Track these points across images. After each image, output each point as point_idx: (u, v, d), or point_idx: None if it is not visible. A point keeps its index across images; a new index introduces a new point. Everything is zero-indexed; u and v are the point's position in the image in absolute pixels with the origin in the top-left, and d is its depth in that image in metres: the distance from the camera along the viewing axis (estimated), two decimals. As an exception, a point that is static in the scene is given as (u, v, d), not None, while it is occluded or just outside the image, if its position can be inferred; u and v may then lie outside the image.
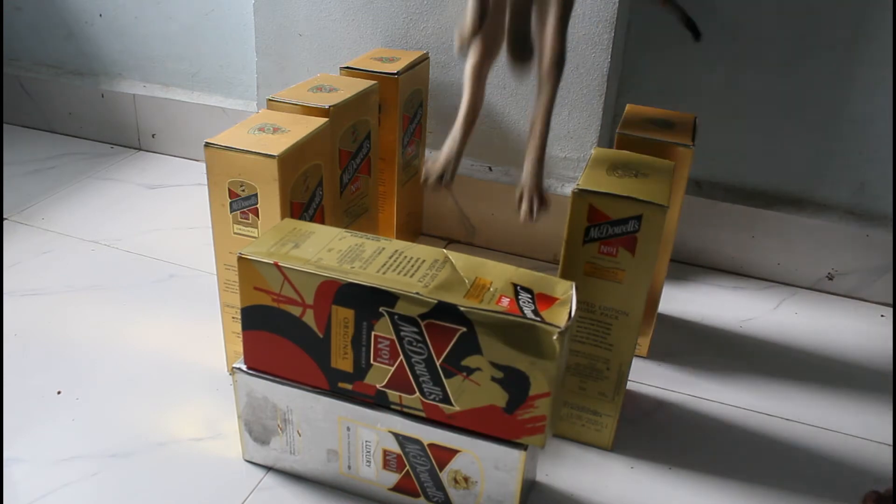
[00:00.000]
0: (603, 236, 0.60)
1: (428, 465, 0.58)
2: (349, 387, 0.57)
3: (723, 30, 0.91)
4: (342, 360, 0.56)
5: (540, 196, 0.72)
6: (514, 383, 0.52)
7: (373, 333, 0.54)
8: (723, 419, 0.72)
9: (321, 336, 0.56)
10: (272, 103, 0.72)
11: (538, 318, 0.50)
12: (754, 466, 0.67)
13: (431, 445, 0.57)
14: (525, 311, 0.51)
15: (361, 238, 0.58)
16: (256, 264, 0.55)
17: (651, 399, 0.74)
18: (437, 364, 0.53)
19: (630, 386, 0.75)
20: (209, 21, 1.17)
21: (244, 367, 0.60)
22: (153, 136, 1.25)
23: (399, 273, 0.54)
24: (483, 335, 0.51)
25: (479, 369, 0.52)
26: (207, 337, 0.78)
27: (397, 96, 0.84)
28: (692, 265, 0.98)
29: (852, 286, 0.93)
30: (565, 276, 0.62)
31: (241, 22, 1.15)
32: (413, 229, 0.99)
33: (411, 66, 0.86)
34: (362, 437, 0.58)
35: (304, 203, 0.66)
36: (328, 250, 0.56)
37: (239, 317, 0.67)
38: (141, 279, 0.90)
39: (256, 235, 0.65)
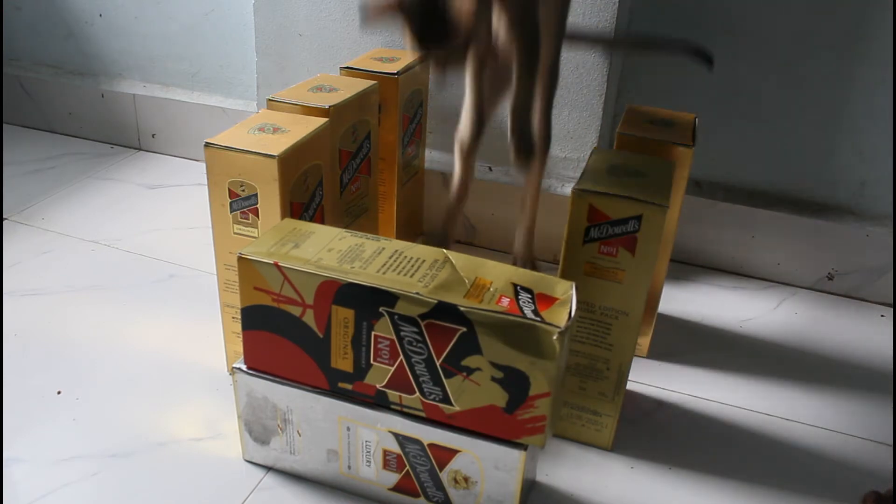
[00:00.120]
0: (603, 236, 0.60)
1: (428, 465, 0.58)
2: (349, 387, 0.57)
3: (723, 30, 0.91)
4: (342, 360, 0.56)
5: (532, 264, 0.74)
6: (514, 383, 0.52)
7: (373, 333, 0.54)
8: (723, 419, 0.72)
9: (321, 336, 0.56)
10: (272, 103, 0.72)
11: (538, 318, 0.50)
12: (754, 466, 0.67)
13: (431, 445, 0.57)
14: (525, 311, 0.51)
15: (361, 238, 0.58)
16: (256, 264, 0.55)
17: (651, 399, 0.74)
18: (437, 364, 0.53)
19: (630, 386, 0.75)
20: (209, 21, 1.17)
21: (244, 367, 0.60)
22: (153, 136, 1.25)
23: (399, 273, 0.54)
24: (483, 335, 0.51)
25: (479, 369, 0.52)
26: (207, 337, 0.78)
27: (397, 96, 0.84)
28: (692, 265, 0.98)
29: (852, 286, 0.93)
30: (565, 276, 0.62)
31: (241, 22, 1.15)
32: (413, 229, 0.99)
33: (411, 66, 0.86)
34: (362, 437, 0.58)
35: (304, 203, 0.66)
36: (328, 250, 0.56)
37: (239, 317, 0.67)
38: (141, 279, 0.90)
39: (256, 235, 0.65)
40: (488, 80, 0.68)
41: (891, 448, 0.70)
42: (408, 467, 0.58)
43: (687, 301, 0.91)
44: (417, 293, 0.52)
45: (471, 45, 0.58)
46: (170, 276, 0.91)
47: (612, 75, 0.88)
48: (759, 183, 0.97)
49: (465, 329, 0.51)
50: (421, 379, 0.54)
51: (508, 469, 0.55)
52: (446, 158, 0.98)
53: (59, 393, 0.71)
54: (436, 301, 0.51)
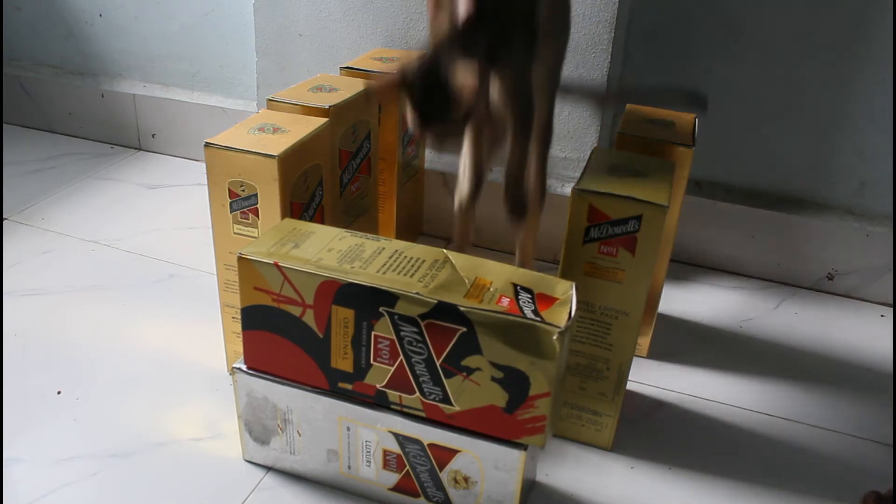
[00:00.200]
0: (603, 236, 0.60)
1: (428, 465, 0.58)
2: (349, 387, 0.57)
3: (723, 29, 0.91)
4: (342, 360, 0.56)
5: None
6: (514, 383, 0.52)
7: (373, 333, 0.54)
8: (723, 419, 0.72)
9: (321, 336, 0.56)
10: (272, 103, 0.72)
11: (538, 318, 0.50)
12: (754, 466, 0.67)
13: (431, 445, 0.57)
14: (525, 311, 0.51)
15: (361, 238, 0.58)
16: (256, 264, 0.55)
17: (651, 399, 0.74)
18: (437, 364, 0.53)
19: (630, 386, 0.75)
20: (209, 21, 1.17)
21: (244, 367, 0.60)
22: (153, 136, 1.25)
23: (399, 273, 0.54)
24: (483, 335, 0.51)
25: (479, 369, 0.52)
26: (207, 337, 0.78)
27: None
28: (692, 265, 0.98)
29: (852, 286, 0.93)
30: (565, 276, 0.62)
31: (241, 22, 1.15)
32: (413, 229, 0.99)
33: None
34: (362, 437, 0.58)
35: (304, 203, 0.66)
36: (328, 250, 0.56)
37: (239, 317, 0.67)
38: (141, 279, 0.90)
39: (256, 235, 0.65)
40: (485, 141, 0.70)
41: (891, 448, 0.70)
42: (408, 467, 0.58)
43: (687, 301, 0.91)
44: (417, 293, 0.52)
45: (470, 118, 0.60)
46: (170, 276, 0.91)
47: (612, 75, 0.88)
48: (759, 183, 0.97)
49: (465, 329, 0.51)
50: (421, 379, 0.54)
51: (508, 469, 0.55)
52: (446, 158, 0.98)
53: (59, 393, 0.71)
54: (436, 301, 0.51)
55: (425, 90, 0.58)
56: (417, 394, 0.55)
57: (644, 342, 0.80)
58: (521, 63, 0.64)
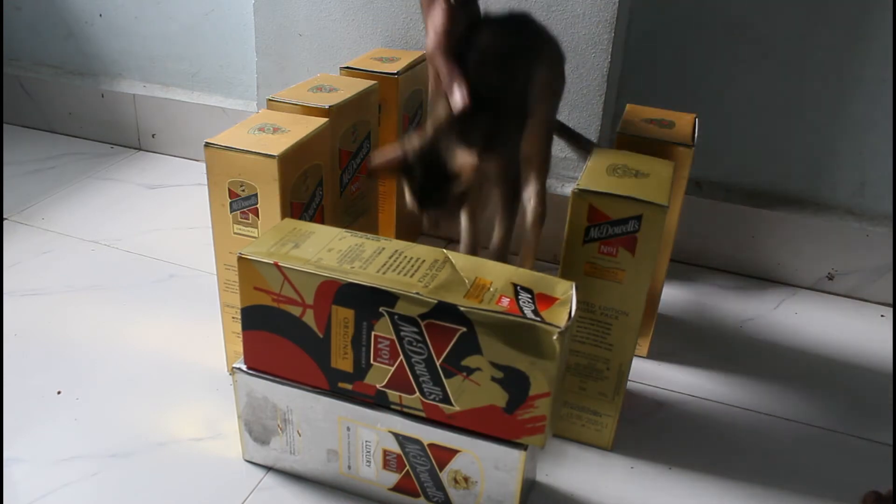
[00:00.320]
0: (603, 236, 0.60)
1: (428, 465, 0.58)
2: (349, 387, 0.57)
3: (723, 30, 0.91)
4: (342, 360, 0.56)
5: None
6: (514, 383, 0.52)
7: (373, 333, 0.54)
8: (723, 419, 0.72)
9: (321, 336, 0.56)
10: (272, 103, 0.72)
11: (538, 318, 0.50)
12: (754, 466, 0.67)
13: (431, 445, 0.57)
14: (525, 311, 0.51)
15: (361, 238, 0.58)
16: (256, 264, 0.55)
17: (651, 399, 0.74)
18: (437, 364, 0.53)
19: (630, 386, 0.75)
20: (209, 21, 1.17)
21: (244, 367, 0.60)
22: (153, 136, 1.25)
23: (399, 273, 0.54)
24: (483, 335, 0.51)
25: (479, 369, 0.52)
26: (207, 337, 0.78)
27: (397, 96, 0.84)
28: (692, 265, 0.98)
29: (852, 286, 0.93)
30: (565, 276, 0.62)
31: (241, 22, 1.15)
32: (413, 229, 0.99)
33: (411, 66, 0.86)
34: (362, 437, 0.58)
35: (304, 203, 0.66)
36: (328, 250, 0.56)
37: (239, 317, 0.67)
38: (141, 279, 0.90)
39: (256, 235, 0.65)
40: (479, 219, 0.76)
41: (891, 448, 0.70)
42: (408, 467, 0.58)
43: (687, 301, 0.91)
44: (417, 293, 0.52)
45: (466, 199, 0.64)
46: (170, 276, 0.91)
47: (612, 75, 0.88)
48: (759, 183, 0.97)
49: (465, 329, 0.51)
50: (421, 379, 0.54)
51: (508, 469, 0.55)
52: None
53: (59, 393, 0.71)
54: (436, 301, 0.51)
55: (424, 172, 0.61)
56: (417, 394, 0.55)
57: (644, 342, 0.80)
58: (512, 150, 0.69)
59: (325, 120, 0.68)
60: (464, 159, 0.59)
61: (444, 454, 0.57)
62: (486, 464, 0.56)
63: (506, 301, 0.52)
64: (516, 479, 0.55)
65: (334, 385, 0.57)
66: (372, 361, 0.55)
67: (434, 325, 0.52)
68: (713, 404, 0.74)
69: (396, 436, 0.57)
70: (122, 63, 1.26)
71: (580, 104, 0.89)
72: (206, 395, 0.72)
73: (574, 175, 0.93)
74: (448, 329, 0.52)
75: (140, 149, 1.26)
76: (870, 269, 0.92)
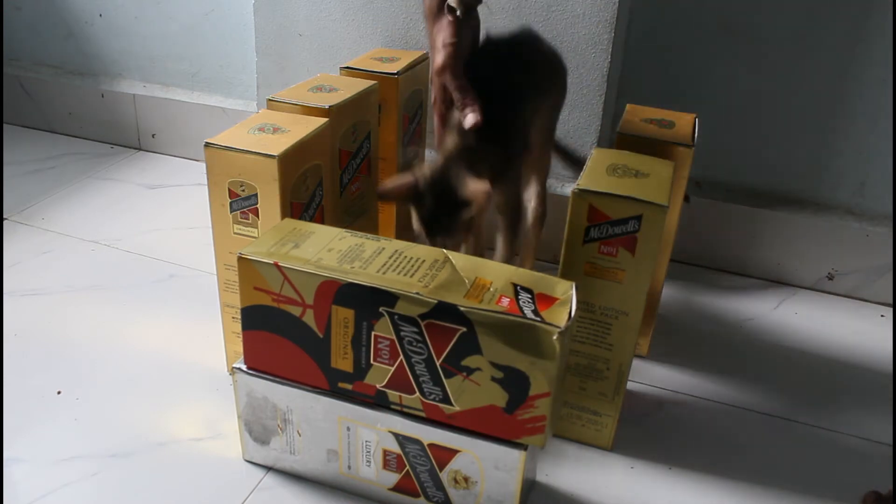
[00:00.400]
0: (603, 236, 0.60)
1: (428, 465, 0.58)
2: (349, 387, 0.57)
3: (723, 30, 0.91)
4: (342, 360, 0.56)
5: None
6: (514, 383, 0.52)
7: (373, 333, 0.54)
8: (723, 419, 0.72)
9: (321, 336, 0.56)
10: (272, 103, 0.72)
11: (538, 318, 0.50)
12: (754, 466, 0.67)
13: (431, 445, 0.57)
14: (525, 311, 0.51)
15: (361, 238, 0.58)
16: (256, 264, 0.55)
17: (651, 399, 0.74)
18: (437, 364, 0.53)
19: (630, 386, 0.75)
20: (209, 21, 1.17)
21: (244, 367, 0.60)
22: (153, 136, 1.25)
23: (399, 273, 0.54)
24: (483, 335, 0.51)
25: (479, 369, 0.52)
26: (207, 337, 0.78)
27: (397, 96, 0.84)
28: (692, 265, 0.98)
29: (852, 286, 0.93)
30: (565, 276, 0.62)
31: (241, 22, 1.15)
32: (413, 229, 0.99)
33: (411, 66, 0.86)
34: (362, 437, 0.58)
35: (304, 203, 0.66)
36: (328, 250, 0.56)
37: (239, 317, 0.67)
38: (141, 279, 0.90)
39: (256, 235, 0.65)
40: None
41: (891, 448, 0.70)
42: (408, 467, 0.58)
43: (687, 301, 0.91)
44: (417, 293, 0.52)
45: (472, 226, 0.67)
46: (170, 276, 0.91)
47: (612, 75, 0.88)
48: (759, 183, 0.97)
49: (465, 329, 0.51)
50: (421, 379, 0.54)
51: (508, 469, 0.55)
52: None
53: (59, 393, 0.71)
54: (436, 301, 0.51)
55: (434, 200, 0.64)
56: (417, 394, 0.55)
57: (644, 342, 0.79)
58: (517, 173, 0.71)
59: (325, 120, 0.68)
60: (476, 188, 0.61)
61: (444, 454, 0.57)
62: (486, 464, 0.56)
63: (506, 301, 0.52)
64: (516, 479, 0.55)
65: (334, 385, 0.57)
66: (372, 361, 0.55)
67: (434, 325, 0.52)
68: (713, 404, 0.74)
69: (396, 436, 0.57)
70: (122, 63, 1.26)
71: (580, 104, 0.89)
72: (206, 395, 0.72)
73: (574, 175, 0.93)
74: (448, 329, 0.52)
75: (140, 149, 1.26)
76: (870, 269, 0.92)
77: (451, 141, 0.67)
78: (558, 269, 0.62)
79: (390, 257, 0.55)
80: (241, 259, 0.56)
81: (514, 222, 0.74)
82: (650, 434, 0.70)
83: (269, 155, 0.61)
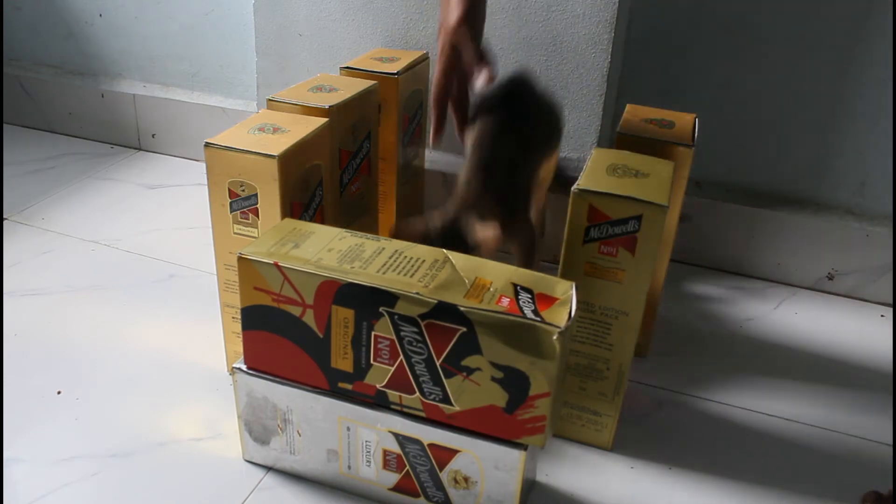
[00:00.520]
0: (603, 236, 0.60)
1: (428, 465, 0.58)
2: (349, 387, 0.57)
3: (723, 30, 0.91)
4: (342, 360, 0.56)
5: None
6: (514, 383, 0.52)
7: (373, 333, 0.54)
8: (723, 419, 0.72)
9: (321, 336, 0.56)
10: (272, 103, 0.72)
11: (538, 318, 0.50)
12: (754, 466, 0.67)
13: (431, 445, 0.57)
14: (525, 311, 0.51)
15: (361, 238, 0.58)
16: (256, 264, 0.55)
17: (651, 399, 0.74)
18: (437, 364, 0.53)
19: (630, 386, 0.75)
20: (209, 21, 1.17)
21: (244, 367, 0.60)
22: (153, 136, 1.25)
23: (399, 273, 0.54)
24: (483, 335, 0.51)
25: (479, 369, 0.52)
26: (207, 337, 0.78)
27: (397, 96, 0.84)
28: (692, 265, 0.98)
29: (852, 286, 0.93)
30: (565, 276, 0.62)
31: (241, 22, 1.15)
32: (413, 229, 0.99)
33: (411, 66, 0.86)
34: (362, 437, 0.58)
35: (304, 203, 0.66)
36: (328, 250, 0.56)
37: (239, 317, 0.67)
38: (141, 279, 0.90)
39: (256, 235, 0.65)
40: None
41: (891, 448, 0.70)
42: (408, 467, 0.58)
43: (687, 301, 0.91)
44: (417, 293, 0.52)
45: None
46: (170, 276, 0.91)
47: (612, 75, 0.88)
48: (759, 183, 0.97)
49: (465, 329, 0.51)
50: (421, 379, 0.54)
51: (508, 469, 0.55)
52: (446, 158, 0.98)
53: (59, 393, 0.71)
54: (436, 301, 0.51)
55: (443, 245, 0.64)
56: (417, 394, 0.55)
57: (644, 342, 0.79)
58: (527, 212, 0.73)
59: (325, 120, 0.68)
60: (484, 234, 0.63)
61: (444, 454, 0.57)
62: (486, 464, 0.56)
63: (506, 301, 0.52)
64: (516, 479, 0.55)
65: (334, 385, 0.57)
66: (372, 361, 0.55)
67: (434, 325, 0.52)
68: (713, 404, 0.74)
69: (396, 436, 0.57)
70: (122, 63, 1.26)
71: (580, 104, 0.89)
72: (206, 395, 0.72)
73: (574, 175, 0.93)
74: (448, 329, 0.52)
75: (140, 149, 1.26)
76: (870, 269, 0.92)
77: (461, 190, 0.68)
78: (558, 269, 0.62)
79: (390, 257, 0.55)
80: (241, 259, 0.56)
81: (529, 257, 0.75)
82: (650, 434, 0.70)
83: (269, 155, 0.61)
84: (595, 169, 0.63)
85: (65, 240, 0.98)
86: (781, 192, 0.97)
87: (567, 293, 0.53)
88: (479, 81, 0.64)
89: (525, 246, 0.73)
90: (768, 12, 0.89)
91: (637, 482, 0.65)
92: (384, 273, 0.54)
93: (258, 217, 0.64)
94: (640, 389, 0.76)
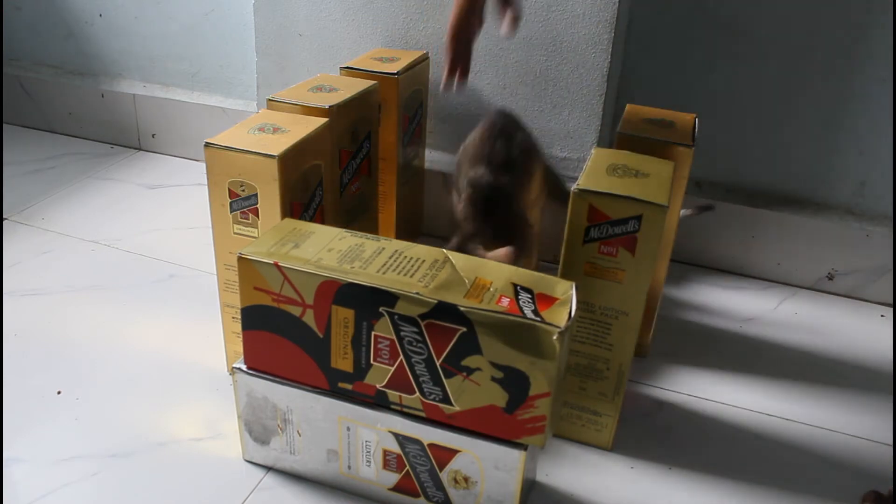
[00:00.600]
0: (603, 236, 0.60)
1: (428, 465, 0.58)
2: (349, 387, 0.57)
3: (723, 30, 0.91)
4: (342, 360, 0.56)
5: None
6: (514, 383, 0.52)
7: (373, 333, 0.54)
8: (723, 419, 0.72)
9: (321, 336, 0.56)
10: (272, 103, 0.72)
11: (538, 318, 0.50)
12: (754, 466, 0.67)
13: (431, 445, 0.57)
14: (525, 311, 0.51)
15: (361, 238, 0.58)
16: (256, 264, 0.55)
17: (651, 399, 0.74)
18: (437, 364, 0.53)
19: (630, 386, 0.75)
20: (209, 21, 1.17)
21: (244, 367, 0.60)
22: (153, 136, 1.25)
23: (399, 273, 0.54)
24: (483, 335, 0.51)
25: (479, 369, 0.52)
26: (207, 337, 0.78)
27: (397, 96, 0.84)
28: (692, 265, 0.98)
29: (852, 286, 0.93)
30: (565, 276, 0.62)
31: (241, 22, 1.15)
32: (413, 229, 0.99)
33: (411, 66, 0.86)
34: (362, 437, 0.58)
35: (304, 203, 0.66)
36: (328, 250, 0.56)
37: (239, 317, 0.67)
38: (141, 279, 0.90)
39: (256, 235, 0.65)
40: None
41: (891, 448, 0.70)
42: (408, 467, 0.58)
43: (687, 301, 0.91)
44: (417, 293, 0.52)
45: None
46: (170, 276, 0.91)
47: (612, 75, 0.88)
48: (759, 183, 0.97)
49: (465, 329, 0.51)
50: (421, 379, 0.54)
51: (508, 469, 0.55)
52: (446, 158, 0.98)
53: (59, 393, 0.71)
54: (436, 301, 0.51)
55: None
56: (417, 394, 0.55)
57: (644, 342, 0.80)
58: (524, 222, 0.78)
59: (325, 120, 0.68)
60: (497, 254, 0.66)
61: (444, 454, 0.57)
62: (486, 464, 0.56)
63: (506, 301, 0.52)
64: (516, 479, 0.55)
65: (334, 385, 0.57)
66: (372, 361, 0.55)
67: (434, 325, 0.52)
68: (713, 404, 0.74)
69: (396, 436, 0.57)
70: (122, 63, 1.26)
71: (580, 104, 0.89)
72: (206, 395, 0.72)
73: (574, 175, 0.93)
74: (448, 329, 0.52)
75: (140, 149, 1.26)
76: (870, 269, 0.92)
77: (465, 225, 0.73)
78: (558, 269, 0.62)
79: (390, 257, 0.55)
80: (241, 259, 0.56)
81: (527, 244, 0.78)
82: (650, 434, 0.70)
83: (269, 155, 0.61)
84: (595, 169, 0.63)
85: (65, 240, 0.98)
86: (781, 192, 0.97)
87: (567, 293, 0.53)
88: (504, 26, 0.63)
89: (524, 246, 0.75)
90: (768, 12, 0.89)
91: (637, 482, 0.65)
92: (384, 273, 0.54)
93: (258, 217, 0.64)
94: (640, 389, 0.76)
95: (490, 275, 0.54)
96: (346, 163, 0.75)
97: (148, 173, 1.18)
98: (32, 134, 1.30)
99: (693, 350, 0.82)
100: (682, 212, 0.78)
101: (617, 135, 0.71)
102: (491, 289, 0.53)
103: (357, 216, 0.81)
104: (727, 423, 0.72)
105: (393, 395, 0.56)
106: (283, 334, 0.57)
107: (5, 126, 1.32)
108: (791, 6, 0.88)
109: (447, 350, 0.52)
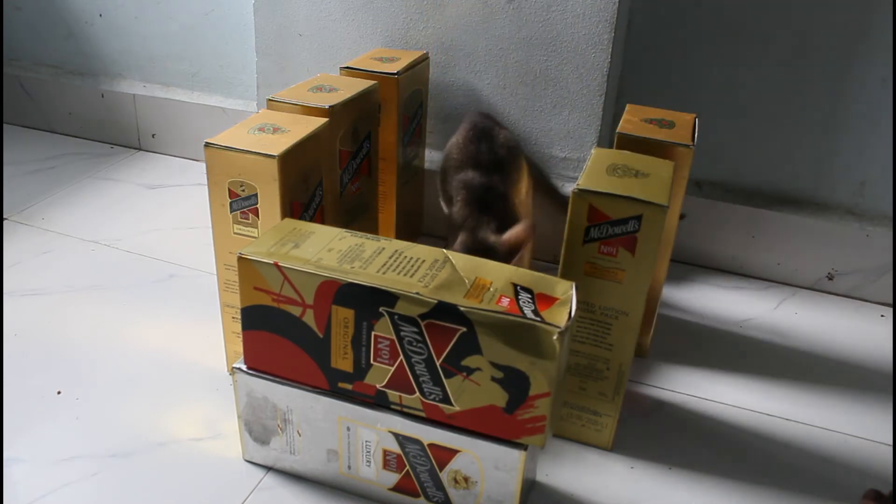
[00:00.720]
0: (603, 236, 0.60)
1: (428, 465, 0.58)
2: (349, 387, 0.57)
3: (723, 30, 0.91)
4: (342, 360, 0.56)
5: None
6: (514, 383, 0.52)
7: (373, 333, 0.54)
8: (723, 419, 0.72)
9: (321, 336, 0.56)
10: (272, 103, 0.72)
11: (538, 318, 0.50)
12: (754, 466, 0.67)
13: (431, 445, 0.57)
14: (525, 311, 0.51)
15: (361, 238, 0.58)
16: (256, 264, 0.55)
17: (651, 399, 0.74)
18: (437, 364, 0.53)
19: (630, 386, 0.75)
20: (209, 21, 1.17)
21: (244, 367, 0.60)
22: (153, 136, 1.25)
23: (399, 273, 0.54)
24: (483, 335, 0.51)
25: (479, 369, 0.52)
26: (207, 337, 0.78)
27: (397, 96, 0.84)
28: (692, 265, 0.98)
29: (852, 286, 0.93)
30: (565, 276, 0.62)
31: (241, 22, 1.15)
32: (413, 229, 0.99)
33: (411, 66, 0.86)
34: (362, 437, 0.58)
35: (304, 203, 0.66)
36: (328, 250, 0.56)
37: (239, 317, 0.67)
38: (141, 279, 0.90)
39: (256, 235, 0.65)
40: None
41: (891, 448, 0.70)
42: (408, 467, 0.58)
43: (687, 301, 0.91)
44: (417, 293, 0.52)
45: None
46: (170, 276, 0.91)
47: (612, 75, 0.88)
48: (759, 183, 0.97)
49: (465, 329, 0.51)
50: (421, 379, 0.54)
51: (508, 469, 0.55)
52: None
53: (59, 393, 0.71)
54: (436, 301, 0.51)
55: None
56: (417, 394, 0.55)
57: (644, 342, 0.80)
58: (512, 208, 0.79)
59: (325, 120, 0.68)
60: (516, 231, 0.70)
61: (444, 454, 0.57)
62: (486, 464, 0.56)
63: (506, 301, 0.52)
64: (516, 479, 0.55)
65: (334, 385, 0.57)
66: (372, 361, 0.55)
67: (434, 325, 0.52)
68: (713, 404, 0.74)
69: (396, 436, 0.57)
70: (122, 63, 1.26)
71: (580, 104, 0.89)
72: (206, 395, 0.72)
73: (574, 175, 0.93)
74: (448, 329, 0.52)
75: (140, 149, 1.26)
76: (870, 269, 0.92)
77: (464, 221, 0.75)
78: (558, 269, 0.62)
79: (390, 257, 0.55)
80: (241, 259, 0.56)
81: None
82: (650, 434, 0.70)
83: (269, 155, 0.61)
84: (595, 169, 0.63)
85: (65, 240, 0.98)
86: (781, 192, 0.97)
87: (567, 293, 0.53)
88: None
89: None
90: (768, 12, 0.89)
91: (637, 482, 0.65)
92: (384, 273, 0.54)
93: (258, 217, 0.64)
94: (640, 389, 0.76)
95: (490, 275, 0.54)
96: (346, 163, 0.75)
97: (148, 173, 1.18)
98: (32, 134, 1.30)
99: (693, 350, 0.82)
100: None
101: (617, 135, 0.71)
102: (491, 289, 0.53)
103: (357, 216, 0.81)
104: (727, 423, 0.72)
105: (393, 395, 0.56)
106: (283, 334, 0.57)
107: (5, 126, 1.32)
108: (791, 6, 0.88)
109: (447, 350, 0.52)
